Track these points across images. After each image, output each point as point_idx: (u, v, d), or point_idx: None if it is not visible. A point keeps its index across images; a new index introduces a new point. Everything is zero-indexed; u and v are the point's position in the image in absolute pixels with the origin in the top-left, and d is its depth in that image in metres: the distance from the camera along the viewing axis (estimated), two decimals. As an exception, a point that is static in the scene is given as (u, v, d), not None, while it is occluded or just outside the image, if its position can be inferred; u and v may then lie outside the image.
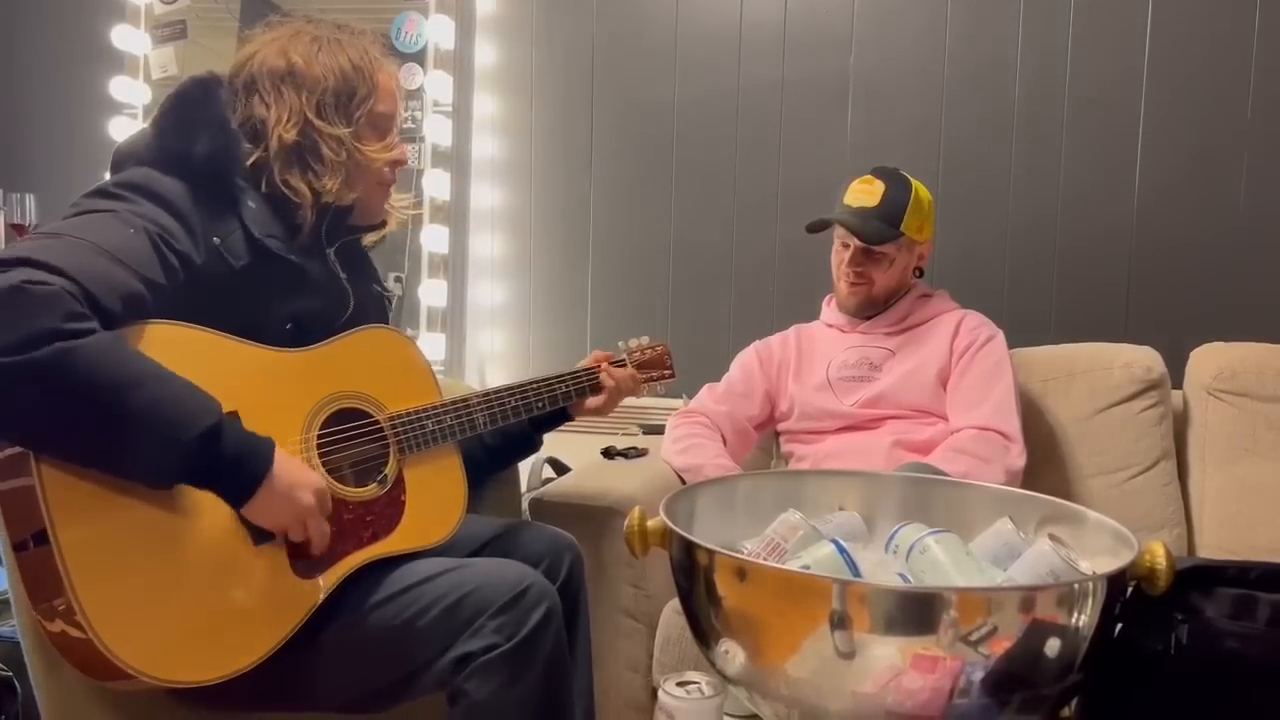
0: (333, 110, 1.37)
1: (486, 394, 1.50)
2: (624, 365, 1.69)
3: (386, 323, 1.50)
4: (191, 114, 1.31)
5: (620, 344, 1.73)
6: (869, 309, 2.04)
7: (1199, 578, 1.07)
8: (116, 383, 1.06)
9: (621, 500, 1.74)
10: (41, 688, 1.27)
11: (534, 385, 1.56)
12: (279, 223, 1.35)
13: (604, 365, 1.65)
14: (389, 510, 1.36)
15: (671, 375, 1.77)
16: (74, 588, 1.07)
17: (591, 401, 1.64)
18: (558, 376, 1.59)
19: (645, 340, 1.75)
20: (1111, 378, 2.03)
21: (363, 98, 1.40)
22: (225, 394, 1.16)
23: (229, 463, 1.14)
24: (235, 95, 1.38)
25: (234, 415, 1.18)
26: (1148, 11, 2.32)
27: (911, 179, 1.99)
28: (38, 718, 1.29)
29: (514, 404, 1.52)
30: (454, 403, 1.45)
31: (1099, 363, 2.05)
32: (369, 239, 1.54)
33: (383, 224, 1.52)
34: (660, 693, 1.20)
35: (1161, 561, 1.01)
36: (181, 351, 1.16)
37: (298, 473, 1.21)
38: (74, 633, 1.08)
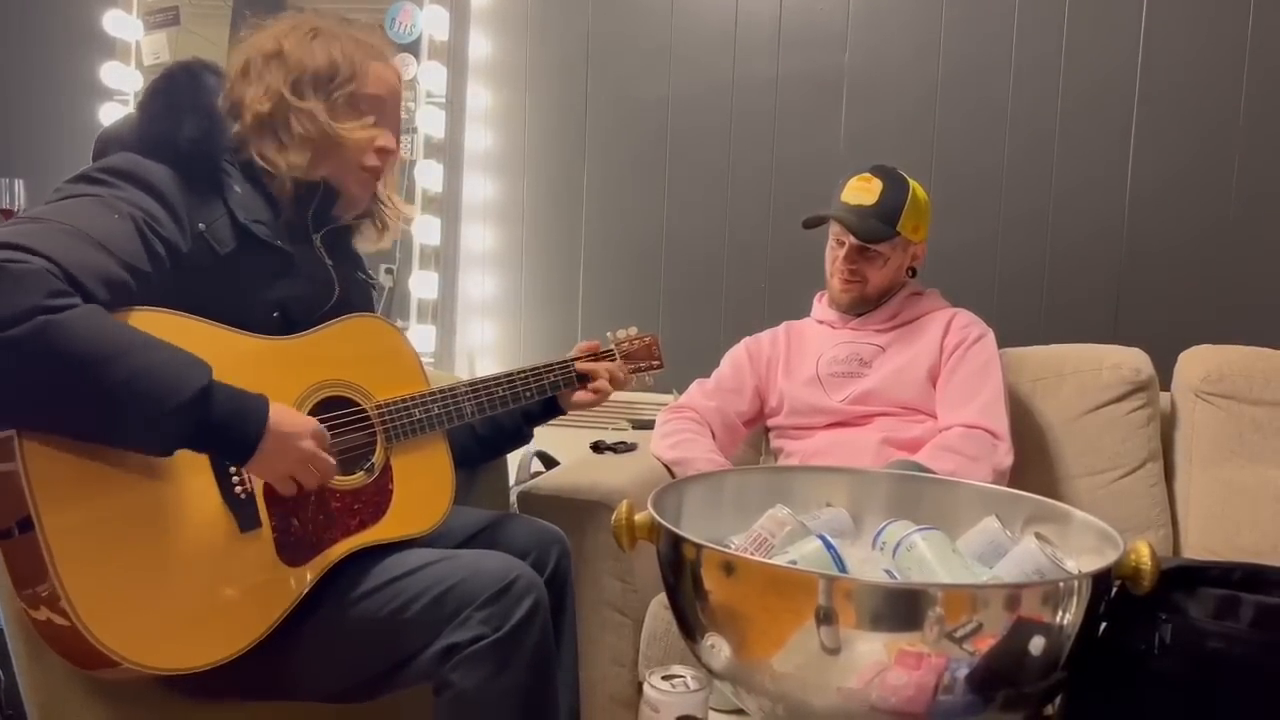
0: (309, 88, 1.37)
1: (474, 383, 1.49)
2: (612, 356, 1.69)
3: (372, 311, 1.50)
4: (178, 98, 1.30)
5: (608, 334, 1.72)
6: (861, 306, 2.04)
7: (1183, 578, 1.08)
8: (104, 351, 1.06)
9: (610, 494, 1.74)
10: (25, 674, 1.26)
11: (522, 374, 1.55)
12: (266, 208, 1.34)
13: (583, 356, 1.64)
14: (376, 499, 1.36)
15: (660, 365, 1.75)
16: (59, 575, 1.06)
17: (580, 396, 1.63)
18: (546, 366, 1.59)
19: (633, 331, 1.74)
20: (1100, 379, 2.04)
21: (344, 79, 1.39)
22: None
23: (224, 422, 1.13)
24: (246, 79, 1.38)
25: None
26: (1141, 13, 2.32)
27: (909, 179, 1.99)
28: (21, 703, 1.28)
29: (502, 393, 1.52)
30: (441, 391, 1.45)
31: (1088, 363, 2.06)
32: (367, 246, 1.53)
33: (382, 225, 1.52)
34: (646, 686, 1.20)
35: (1146, 561, 1.02)
36: (165, 338, 1.14)
37: (294, 421, 1.21)
38: (59, 620, 1.08)
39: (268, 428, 1.16)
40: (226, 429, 1.14)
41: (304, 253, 1.38)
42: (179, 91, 1.31)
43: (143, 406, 1.08)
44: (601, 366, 1.64)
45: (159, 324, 1.17)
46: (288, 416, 1.21)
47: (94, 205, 1.17)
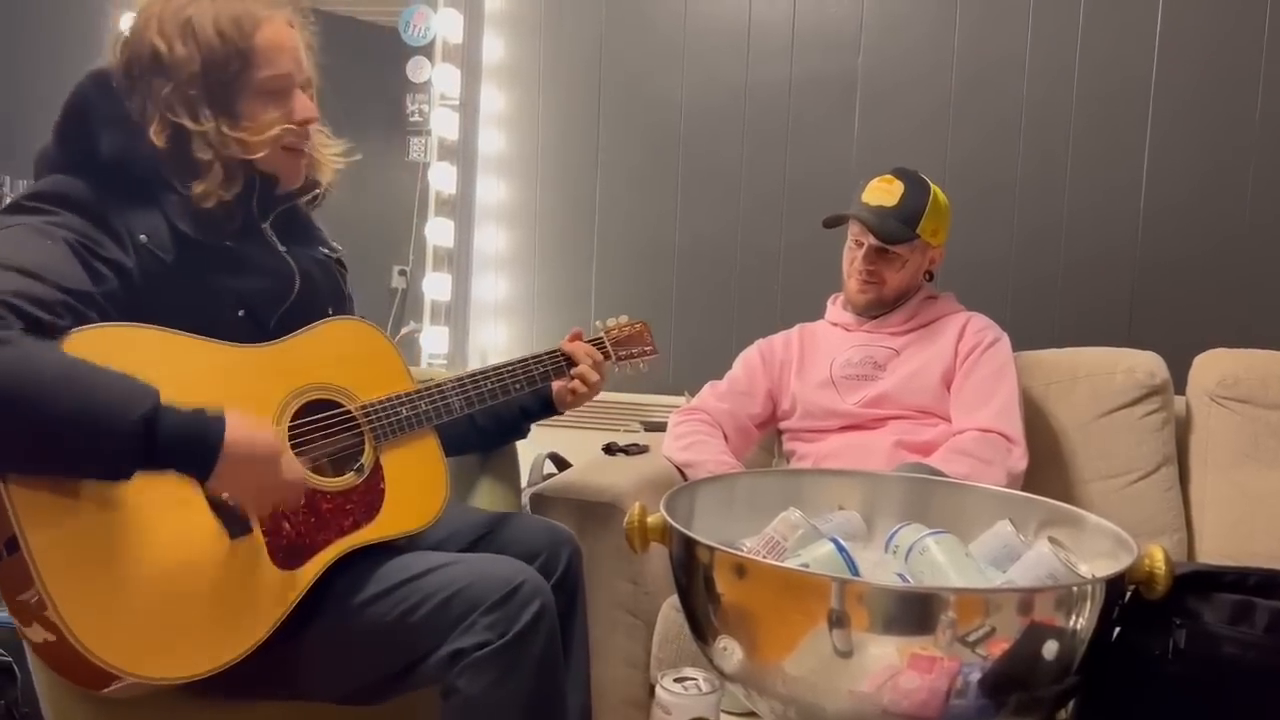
0: (202, 100, 1.27)
1: (460, 378, 1.48)
2: (601, 345, 1.65)
3: (341, 288, 1.47)
4: (88, 114, 1.26)
5: (596, 324, 1.69)
6: (877, 308, 2.04)
7: (1197, 583, 1.07)
8: (36, 391, 1.03)
9: (622, 496, 1.74)
10: (40, 673, 1.27)
11: (509, 367, 1.54)
12: (205, 208, 1.29)
13: (568, 346, 1.60)
14: (368, 498, 1.35)
15: (653, 352, 1.72)
16: (49, 593, 1.05)
17: (570, 396, 1.59)
18: (534, 357, 1.56)
19: (624, 319, 1.71)
20: (1114, 382, 2.03)
21: (236, 72, 1.27)
22: (187, 393, 1.12)
23: (173, 446, 1.10)
24: (131, 83, 1.29)
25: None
26: (1156, 20, 2.31)
27: (930, 182, 1.99)
28: (38, 702, 1.29)
29: (490, 387, 1.50)
30: (427, 388, 1.43)
31: (1102, 367, 2.05)
32: (294, 182, 1.41)
33: (315, 184, 1.44)
34: (658, 689, 1.20)
35: (1160, 566, 1.01)
36: (136, 354, 1.14)
37: (254, 437, 1.16)
38: (54, 638, 1.07)
39: (224, 446, 1.12)
40: (177, 452, 1.10)
41: (254, 244, 1.35)
42: (90, 107, 1.26)
43: (88, 439, 1.05)
44: (582, 349, 1.60)
45: (128, 339, 1.15)
46: (246, 432, 1.15)
47: (24, 234, 1.16)
